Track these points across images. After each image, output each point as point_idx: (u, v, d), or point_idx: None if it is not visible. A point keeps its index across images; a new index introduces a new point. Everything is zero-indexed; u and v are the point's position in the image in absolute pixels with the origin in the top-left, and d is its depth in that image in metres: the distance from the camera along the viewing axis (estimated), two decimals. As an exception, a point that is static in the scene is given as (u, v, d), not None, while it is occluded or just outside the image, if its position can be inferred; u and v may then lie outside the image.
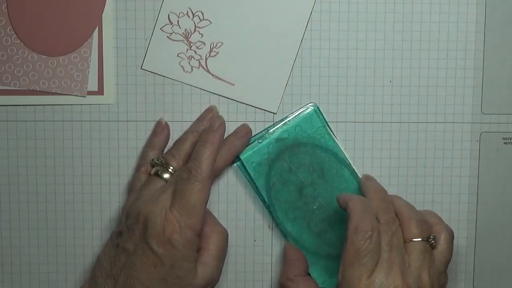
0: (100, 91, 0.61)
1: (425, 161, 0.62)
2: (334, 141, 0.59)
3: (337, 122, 0.61)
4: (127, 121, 0.61)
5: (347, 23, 0.61)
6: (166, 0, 0.60)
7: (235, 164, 0.60)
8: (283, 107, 0.61)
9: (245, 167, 0.59)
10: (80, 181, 0.62)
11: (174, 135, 0.61)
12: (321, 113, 0.59)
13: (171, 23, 0.60)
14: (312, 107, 0.59)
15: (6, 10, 0.59)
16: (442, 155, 0.62)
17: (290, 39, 0.61)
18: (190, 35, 0.60)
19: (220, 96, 0.61)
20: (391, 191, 0.62)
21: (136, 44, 0.60)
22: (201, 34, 0.60)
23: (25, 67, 0.60)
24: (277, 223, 0.60)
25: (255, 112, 0.61)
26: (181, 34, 0.60)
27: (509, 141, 0.62)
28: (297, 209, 0.59)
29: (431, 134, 0.62)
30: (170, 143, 0.61)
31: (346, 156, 0.60)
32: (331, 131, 0.60)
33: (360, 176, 0.60)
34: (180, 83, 0.61)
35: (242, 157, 0.59)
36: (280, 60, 0.61)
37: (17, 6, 0.59)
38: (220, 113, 0.61)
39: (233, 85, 0.61)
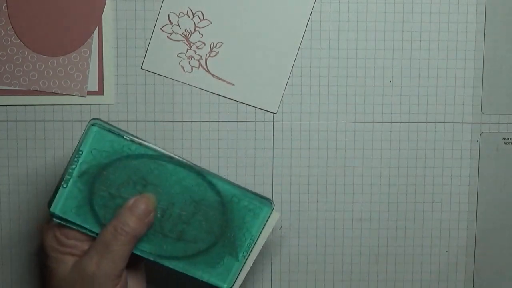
0: (100, 91, 0.61)
1: (425, 161, 0.62)
2: (138, 142, 0.52)
3: (337, 122, 0.62)
4: (127, 121, 0.61)
5: (347, 23, 0.61)
6: (166, 0, 0.60)
7: (54, 221, 0.52)
8: (283, 107, 0.61)
9: (66, 220, 0.52)
10: (80, 181, 0.62)
11: (174, 135, 0.61)
12: (107, 123, 0.53)
13: (171, 23, 0.60)
14: (94, 125, 0.52)
15: (6, 10, 0.59)
16: (442, 155, 0.62)
17: (290, 39, 0.61)
18: (190, 35, 0.60)
19: (220, 96, 0.61)
20: (391, 191, 0.62)
21: (136, 44, 0.60)
22: (201, 34, 0.60)
23: (25, 67, 0.60)
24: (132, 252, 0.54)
25: (255, 112, 0.61)
26: (181, 34, 0.60)
27: (509, 141, 0.62)
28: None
29: (431, 134, 0.62)
30: (176, 143, 0.61)
31: (158, 148, 0.53)
32: (129, 134, 0.52)
33: (186, 159, 0.53)
34: (180, 83, 0.61)
35: (56, 211, 0.52)
36: (280, 60, 0.61)
37: (17, 6, 0.59)
38: (220, 113, 0.61)
39: (233, 85, 0.61)
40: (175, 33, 0.60)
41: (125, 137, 0.52)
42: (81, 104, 0.61)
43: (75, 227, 0.52)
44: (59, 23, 0.60)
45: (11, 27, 0.60)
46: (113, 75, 0.61)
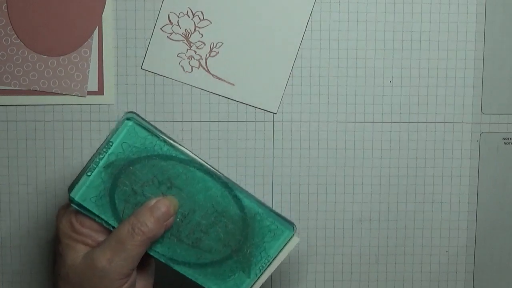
0: (100, 91, 0.61)
1: (425, 161, 0.62)
2: (171, 143, 0.52)
3: (337, 122, 0.61)
4: (127, 121, 0.61)
5: (347, 23, 0.61)
6: (166, 0, 0.60)
7: (72, 207, 0.52)
8: (283, 107, 0.61)
9: (84, 207, 0.51)
10: (80, 181, 0.62)
11: (174, 135, 0.61)
12: (143, 119, 0.52)
13: (171, 23, 0.60)
14: (130, 120, 0.52)
15: (6, 10, 0.59)
16: (442, 155, 0.62)
17: (290, 39, 0.61)
18: (190, 35, 0.60)
19: (220, 96, 0.61)
20: (391, 191, 0.62)
21: (136, 44, 0.60)
22: (201, 34, 0.60)
23: (25, 67, 0.60)
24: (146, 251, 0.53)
25: (255, 112, 0.61)
26: (181, 34, 0.60)
27: (509, 141, 0.62)
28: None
29: (431, 134, 0.62)
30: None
31: (190, 153, 0.52)
32: (163, 134, 0.52)
33: (216, 169, 0.53)
34: (180, 83, 0.61)
35: (75, 197, 0.51)
36: (280, 60, 0.61)
37: (17, 6, 0.59)
38: (220, 113, 0.61)
39: (233, 85, 0.61)
40: (175, 33, 0.60)
41: (158, 136, 0.52)
42: (81, 104, 0.61)
43: (92, 216, 0.51)
44: (59, 23, 0.60)
45: (11, 27, 0.60)
46: (113, 75, 0.61)
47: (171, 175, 0.52)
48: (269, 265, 0.54)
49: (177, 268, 0.54)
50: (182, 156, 0.52)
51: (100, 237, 0.52)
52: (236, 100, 0.61)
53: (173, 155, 0.52)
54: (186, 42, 0.60)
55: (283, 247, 0.54)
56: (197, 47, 0.60)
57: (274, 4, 0.60)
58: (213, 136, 0.61)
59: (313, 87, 0.61)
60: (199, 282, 0.54)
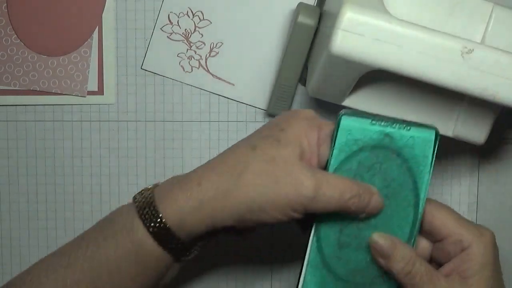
0: (100, 91, 0.61)
1: (425, 161, 0.62)
2: (428, 179, 0.50)
3: (337, 122, 0.61)
4: (127, 121, 0.61)
5: (347, 23, 0.61)
6: (166, 0, 0.60)
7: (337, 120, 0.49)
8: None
9: (336, 133, 0.49)
10: (80, 181, 0.62)
11: (174, 135, 0.61)
12: (439, 144, 0.50)
13: (171, 23, 0.60)
14: (434, 134, 0.50)
15: (6, 10, 0.59)
16: (442, 155, 0.62)
17: (290, 39, 0.61)
18: (190, 35, 0.60)
19: (220, 96, 0.61)
20: (391, 191, 0.62)
21: (136, 44, 0.60)
22: (201, 34, 0.60)
23: (25, 67, 0.60)
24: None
25: (255, 112, 0.61)
26: (181, 34, 0.60)
27: (509, 141, 0.62)
28: (344, 219, 0.49)
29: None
30: (176, 143, 0.61)
31: (424, 200, 0.50)
32: (433, 169, 0.50)
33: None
34: (180, 83, 0.61)
35: (343, 122, 0.49)
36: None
37: (17, 6, 0.59)
38: (220, 113, 0.61)
39: (233, 85, 0.61)
40: (175, 33, 0.60)
41: (432, 166, 0.50)
42: (81, 104, 0.61)
43: (331, 138, 0.49)
44: (59, 23, 0.60)
45: (11, 27, 0.60)
46: (113, 75, 0.61)
47: (400, 194, 0.50)
48: None
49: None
50: (422, 195, 0.50)
51: (314, 159, 0.49)
52: (236, 100, 0.61)
53: (419, 186, 0.50)
54: (186, 42, 0.60)
55: None
56: (197, 47, 0.60)
57: (274, 4, 0.60)
58: (213, 136, 0.61)
59: (313, 87, 0.61)
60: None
